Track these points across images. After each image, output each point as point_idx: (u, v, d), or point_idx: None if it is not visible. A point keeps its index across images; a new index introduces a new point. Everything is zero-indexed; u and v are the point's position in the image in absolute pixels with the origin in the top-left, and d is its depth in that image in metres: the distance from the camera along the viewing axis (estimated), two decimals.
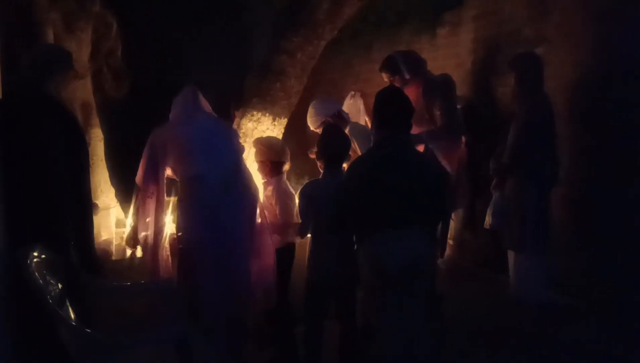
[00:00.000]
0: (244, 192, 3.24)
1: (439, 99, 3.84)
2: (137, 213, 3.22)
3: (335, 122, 3.78)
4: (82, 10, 4.87)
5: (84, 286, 2.84)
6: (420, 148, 3.68)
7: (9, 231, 2.67)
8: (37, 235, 2.71)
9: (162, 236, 3.20)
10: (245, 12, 7.77)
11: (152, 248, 3.16)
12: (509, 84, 4.08)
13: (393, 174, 2.69)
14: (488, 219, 3.99)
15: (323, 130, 3.33)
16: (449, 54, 5.61)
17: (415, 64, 3.98)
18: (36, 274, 2.44)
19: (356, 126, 3.86)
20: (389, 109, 2.82)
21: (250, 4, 7.72)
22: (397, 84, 3.95)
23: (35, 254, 2.54)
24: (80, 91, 4.85)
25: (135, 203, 3.24)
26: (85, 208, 3.04)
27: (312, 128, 3.95)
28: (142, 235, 3.20)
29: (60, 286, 2.63)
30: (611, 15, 4.17)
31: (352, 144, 3.53)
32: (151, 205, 3.19)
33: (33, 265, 2.47)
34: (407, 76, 3.95)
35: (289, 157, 3.53)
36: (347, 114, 3.97)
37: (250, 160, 3.83)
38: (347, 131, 3.75)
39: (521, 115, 3.80)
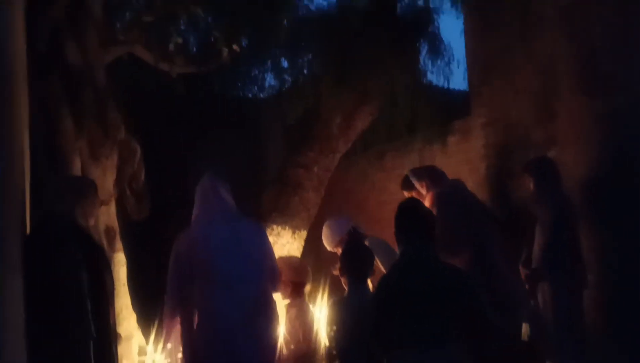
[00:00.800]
0: (265, 328, 2.94)
1: (438, 212, 3.82)
2: (161, 336, 3.04)
3: (352, 239, 3.75)
4: (108, 137, 5.05)
5: None
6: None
7: (31, 361, 2.61)
8: None
9: None
10: (258, 127, 8.10)
11: None
12: (525, 187, 4.11)
13: (415, 288, 2.59)
14: (526, 330, 3.78)
15: (345, 246, 3.31)
16: (462, 160, 5.73)
17: (429, 179, 4.00)
18: None
19: (374, 240, 3.83)
20: (408, 221, 2.79)
21: (262, 120, 8.07)
22: None
23: None
24: (104, 216, 4.90)
25: (159, 323, 3.09)
26: (108, 339, 2.97)
27: (329, 249, 3.91)
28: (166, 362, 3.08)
29: None
30: (618, 112, 4.27)
31: None
32: (176, 325, 2.97)
33: None
34: (423, 191, 4.00)
35: (310, 277, 3.48)
36: (362, 228, 3.95)
37: None
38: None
39: (545, 219, 3.77)
